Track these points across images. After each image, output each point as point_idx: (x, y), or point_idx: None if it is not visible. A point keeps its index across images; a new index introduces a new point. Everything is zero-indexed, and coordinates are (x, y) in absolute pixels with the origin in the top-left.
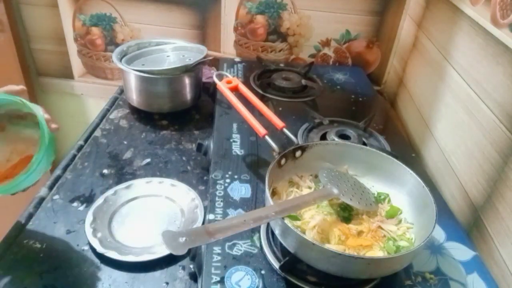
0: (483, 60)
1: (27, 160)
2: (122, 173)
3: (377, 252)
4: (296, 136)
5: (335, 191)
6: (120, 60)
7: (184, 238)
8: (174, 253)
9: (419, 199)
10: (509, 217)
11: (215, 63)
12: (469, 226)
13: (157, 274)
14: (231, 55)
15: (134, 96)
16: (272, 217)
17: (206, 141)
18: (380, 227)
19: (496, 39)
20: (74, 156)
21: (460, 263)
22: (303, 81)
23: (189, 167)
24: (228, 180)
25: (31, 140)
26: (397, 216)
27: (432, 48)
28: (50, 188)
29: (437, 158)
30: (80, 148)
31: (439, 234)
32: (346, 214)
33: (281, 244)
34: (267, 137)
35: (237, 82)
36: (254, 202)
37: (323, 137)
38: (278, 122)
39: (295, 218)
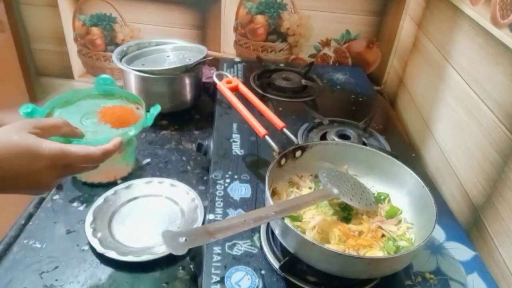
0: (483, 60)
1: None
2: None
3: (377, 252)
4: (296, 136)
5: (335, 191)
6: (120, 60)
7: (184, 238)
8: (174, 253)
9: (419, 199)
10: (509, 217)
11: (215, 63)
12: (469, 226)
13: (157, 274)
14: (231, 55)
15: None
16: (272, 217)
17: (206, 141)
18: (380, 227)
19: (496, 39)
20: None
21: (460, 263)
22: (303, 81)
23: (189, 167)
24: (228, 180)
25: None
26: (397, 216)
27: (432, 48)
28: None
29: (437, 158)
30: None
31: (439, 234)
32: (346, 214)
33: (281, 244)
34: (267, 137)
35: (237, 82)
36: (254, 202)
37: (323, 137)
38: (278, 122)
39: (296, 218)
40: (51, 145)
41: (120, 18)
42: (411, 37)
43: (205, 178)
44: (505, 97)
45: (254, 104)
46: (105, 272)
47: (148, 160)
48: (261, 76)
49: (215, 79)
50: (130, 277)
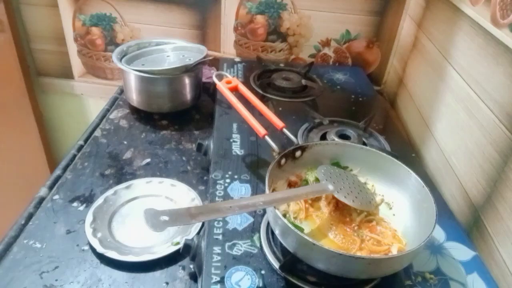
0: (483, 60)
1: None
2: (122, 173)
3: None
4: (296, 136)
5: (330, 187)
6: (120, 60)
7: (165, 217)
8: (153, 230)
9: (419, 199)
10: (509, 217)
11: (215, 63)
12: (469, 226)
13: (157, 274)
14: (231, 55)
15: (134, 96)
16: (260, 206)
17: (206, 141)
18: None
19: (496, 39)
20: (74, 156)
21: (460, 263)
22: (303, 81)
23: (189, 167)
24: (228, 180)
25: None
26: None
27: (432, 48)
28: (50, 188)
29: (437, 158)
30: (80, 148)
31: (439, 234)
32: (346, 215)
33: (281, 244)
34: (267, 137)
35: (237, 82)
36: None
37: (323, 137)
38: (278, 122)
39: (299, 228)
40: None
41: (120, 18)
42: (411, 37)
43: (205, 178)
44: (505, 97)
45: (254, 104)
46: (105, 272)
47: (148, 160)
48: (261, 76)
49: (215, 79)
50: (130, 277)
